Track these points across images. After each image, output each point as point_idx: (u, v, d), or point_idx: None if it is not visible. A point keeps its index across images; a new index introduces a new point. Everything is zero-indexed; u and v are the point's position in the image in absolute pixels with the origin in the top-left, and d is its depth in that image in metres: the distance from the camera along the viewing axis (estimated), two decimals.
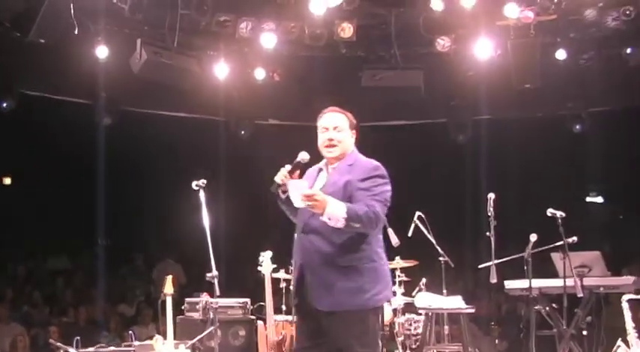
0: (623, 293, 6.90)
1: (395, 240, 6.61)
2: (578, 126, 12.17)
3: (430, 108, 12.24)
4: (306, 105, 11.94)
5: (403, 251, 7.28)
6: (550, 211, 7.55)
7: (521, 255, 7.66)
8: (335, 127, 4.87)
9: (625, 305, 6.73)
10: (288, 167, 4.82)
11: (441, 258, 8.57)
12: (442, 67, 11.06)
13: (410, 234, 8.30)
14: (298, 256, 4.82)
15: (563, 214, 7.50)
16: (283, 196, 4.86)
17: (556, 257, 8.01)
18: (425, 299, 8.47)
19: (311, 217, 4.71)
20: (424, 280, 8.79)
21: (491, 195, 7.71)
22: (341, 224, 4.56)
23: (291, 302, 5.06)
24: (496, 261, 7.61)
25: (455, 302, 8.42)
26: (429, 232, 8.44)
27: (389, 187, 4.82)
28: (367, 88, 10.85)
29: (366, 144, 13.96)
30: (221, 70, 10.64)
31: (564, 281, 7.56)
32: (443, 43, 10.52)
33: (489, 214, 7.63)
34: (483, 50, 10.55)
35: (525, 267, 7.59)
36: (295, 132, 12.53)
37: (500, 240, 7.65)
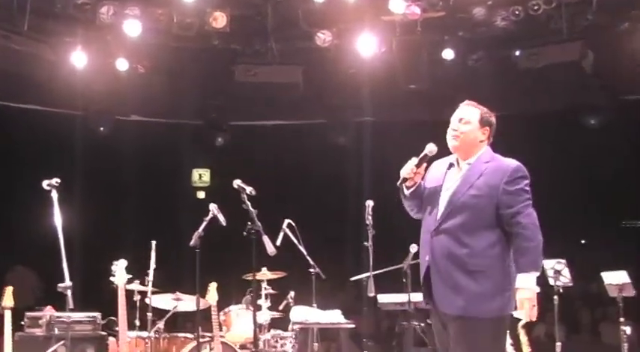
0: None
1: (271, 249, 6.72)
2: None
3: (309, 107, 12.53)
4: (173, 100, 12.04)
5: (270, 261, 7.40)
6: None
7: (399, 266, 8.04)
8: (460, 119, 5.19)
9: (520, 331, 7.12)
10: (415, 160, 5.10)
11: (311, 270, 8.78)
12: (322, 63, 11.32)
13: (278, 242, 8.43)
14: (426, 257, 5.01)
15: None
16: (407, 192, 5.13)
17: None
18: (300, 312, 8.65)
19: (446, 217, 4.94)
20: (292, 293, 8.97)
21: (370, 203, 8.00)
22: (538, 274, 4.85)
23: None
24: (369, 273, 7.91)
25: (333, 317, 8.67)
26: (299, 241, 8.63)
27: (528, 187, 5.01)
28: (241, 83, 11.04)
29: (240, 144, 14.08)
30: (79, 58, 10.52)
31: None
32: (323, 38, 10.77)
33: (368, 222, 7.91)
34: (367, 47, 10.89)
35: (404, 280, 7.97)
36: (160, 129, 12.59)
37: (383, 250, 7.96)
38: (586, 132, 12.06)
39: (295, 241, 8.61)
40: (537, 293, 4.82)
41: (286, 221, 8.64)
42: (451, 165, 5.18)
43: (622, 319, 8.86)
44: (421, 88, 11.14)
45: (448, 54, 11.30)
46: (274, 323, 8.80)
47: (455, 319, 4.86)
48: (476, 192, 4.93)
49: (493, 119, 5.26)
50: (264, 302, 8.69)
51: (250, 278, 7.05)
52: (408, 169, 5.09)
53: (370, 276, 7.89)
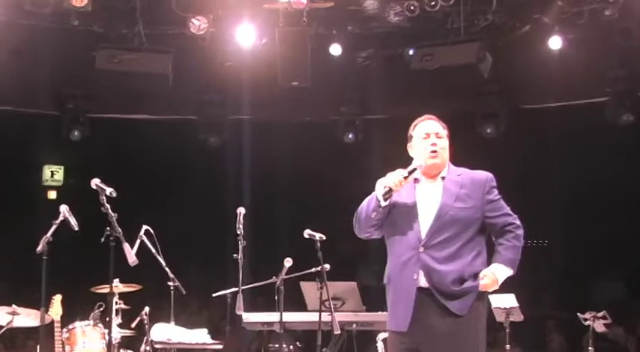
0: (379, 332, 7.37)
1: (132, 259, 6.57)
2: (350, 135, 12.79)
3: (179, 101, 12.43)
4: (23, 87, 11.69)
5: (123, 272, 7.24)
6: (308, 232, 7.86)
7: (269, 281, 7.97)
8: (437, 134, 5.39)
9: (380, 346, 7.13)
10: (403, 172, 5.22)
11: (170, 283, 8.61)
12: (196, 52, 11.19)
13: (134, 251, 7.93)
14: (414, 276, 5.16)
15: (323, 236, 7.85)
16: (384, 203, 5.22)
17: (306, 286, 8.43)
18: (162, 331, 8.47)
19: (435, 232, 5.17)
20: (147, 309, 8.68)
21: (241, 210, 7.94)
22: (512, 272, 5.25)
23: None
24: (236, 288, 7.87)
25: (199, 337, 8.53)
26: (157, 251, 8.43)
27: None
28: (103, 71, 10.77)
29: (99, 139, 13.86)
30: None
31: (320, 315, 7.84)
32: (198, 24, 10.60)
33: (238, 232, 7.88)
34: (246, 37, 10.86)
35: (276, 297, 7.89)
36: (7, 119, 12.22)
37: (258, 262, 8.07)
38: (482, 140, 12.39)
39: (153, 250, 8.42)
40: None
41: (144, 227, 8.45)
42: (416, 180, 5.36)
43: (508, 346, 9.07)
44: (304, 86, 11.11)
45: (335, 49, 11.36)
46: (125, 343, 8.61)
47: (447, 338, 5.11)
48: (462, 205, 5.25)
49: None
50: (115, 319, 8.26)
51: (101, 290, 6.88)
52: (396, 180, 5.20)
53: (239, 292, 7.83)
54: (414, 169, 5.25)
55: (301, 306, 8.60)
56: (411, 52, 11.34)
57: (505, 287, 9.07)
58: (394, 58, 11.67)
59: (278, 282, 8.00)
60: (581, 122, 12.32)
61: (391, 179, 5.20)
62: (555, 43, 10.95)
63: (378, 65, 11.68)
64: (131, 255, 6.55)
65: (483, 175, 5.36)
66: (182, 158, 13.71)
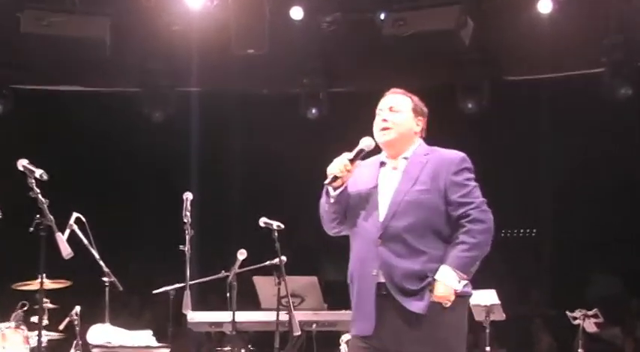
0: (342, 333, 7.49)
1: (66, 250, 6.50)
2: (314, 110, 12.74)
3: (118, 71, 12.35)
4: None
5: (50, 267, 7.20)
6: (264, 221, 7.89)
7: (220, 276, 8.01)
8: (391, 108, 5.29)
9: (343, 348, 7.16)
10: (349, 154, 5.17)
11: (105, 279, 8.47)
12: (138, 15, 11.18)
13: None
14: (373, 272, 5.09)
15: (281, 225, 7.89)
16: (335, 193, 5.19)
17: (260, 281, 8.46)
18: (100, 333, 8.41)
19: (392, 220, 5.08)
20: (78, 309, 8.63)
21: (188, 196, 7.92)
22: (466, 279, 5.03)
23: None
24: (183, 284, 7.89)
25: (142, 339, 8.50)
26: (90, 241, 8.31)
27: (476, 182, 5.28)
28: (29, 35, 10.71)
29: (26, 114, 13.70)
30: None
31: (277, 314, 7.84)
32: None
33: (185, 220, 7.89)
34: None
35: (228, 294, 7.90)
36: None
37: (206, 254, 8.18)
38: (463, 116, 12.42)
39: (85, 241, 8.27)
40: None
41: (74, 215, 8.33)
42: (382, 163, 5.34)
43: (488, 348, 9.17)
44: (261, 54, 11.12)
45: (296, 13, 11.36)
46: (52, 347, 8.61)
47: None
48: (422, 187, 5.13)
49: (426, 109, 5.44)
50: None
51: (25, 287, 6.84)
52: (340, 165, 5.16)
53: (186, 288, 7.84)
54: (361, 150, 5.21)
55: (256, 304, 8.61)
56: (382, 17, 11.29)
57: (485, 283, 9.20)
58: (363, 22, 11.61)
59: (230, 277, 7.99)
60: (574, 96, 12.39)
61: (335, 165, 5.16)
62: (545, 6, 11.00)
63: (344, 31, 11.63)
64: (65, 246, 6.51)
65: (454, 154, 5.27)
66: (122, 136, 13.50)
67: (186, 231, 7.87)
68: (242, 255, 7.89)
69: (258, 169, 14.41)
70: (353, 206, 5.24)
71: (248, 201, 13.77)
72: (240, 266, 7.99)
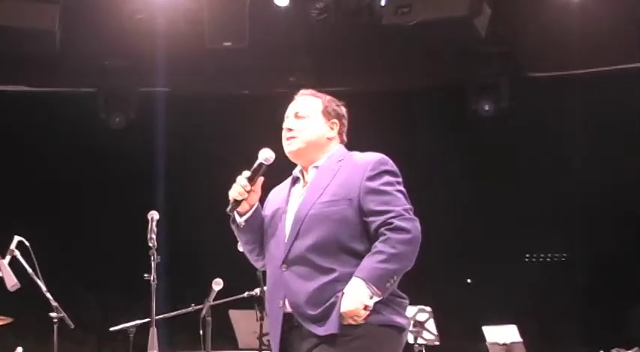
0: None
1: (12, 281, 6.55)
2: None
3: (70, 69, 12.34)
4: None
5: None
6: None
7: (192, 309, 8.13)
8: (296, 114, 5.32)
9: None
10: (247, 173, 5.17)
11: (53, 314, 8.27)
12: (93, 3, 11.24)
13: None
14: (279, 303, 5.11)
15: None
16: (242, 219, 5.25)
17: (237, 316, 8.62)
18: None
19: (295, 240, 5.08)
20: (20, 350, 8.58)
21: (154, 215, 7.78)
22: (379, 295, 4.92)
23: None
24: (148, 319, 7.86)
25: None
26: (35, 271, 8.11)
27: (402, 187, 5.19)
28: None
29: None
30: None
31: None
32: None
33: (151, 244, 7.73)
34: None
35: (201, 331, 8.00)
36: None
37: (176, 284, 8.30)
38: (478, 120, 12.45)
39: (29, 269, 8.14)
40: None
41: (16, 238, 8.32)
42: (296, 179, 5.40)
43: None
44: (240, 48, 11.20)
45: (282, 0, 11.43)
46: None
47: None
48: (329, 199, 5.13)
49: (343, 110, 5.46)
50: None
51: None
52: (238, 188, 5.19)
53: (152, 325, 7.75)
54: (261, 165, 5.21)
55: (234, 343, 8.68)
56: (382, 2, 11.35)
57: (504, 317, 9.24)
58: (359, 10, 11.67)
59: (204, 311, 8.05)
60: (610, 95, 12.38)
61: (233, 188, 5.20)
62: None
63: (338, 20, 11.67)
64: (10, 276, 6.55)
65: (369, 156, 5.23)
66: (75, 144, 13.50)
67: (152, 257, 7.65)
68: (217, 285, 7.95)
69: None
70: (265, 232, 5.30)
71: (224, 220, 13.74)
72: (216, 298, 8.04)
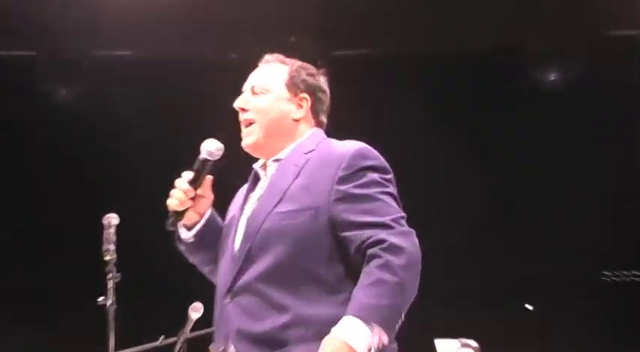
0: None
1: None
2: None
3: (2, 28, 12.28)
4: None
5: None
6: None
7: (163, 343, 8.10)
8: (252, 87, 5.19)
9: None
10: (188, 174, 5.08)
11: None
12: None
13: None
14: (221, 339, 4.94)
15: None
16: (188, 235, 5.19)
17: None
18: None
19: (245, 262, 4.86)
20: None
21: (112, 219, 7.24)
22: (386, 338, 4.52)
23: None
24: None
25: None
26: None
27: (393, 188, 4.92)
28: None
29: None
30: None
31: None
32: None
33: (107, 258, 7.12)
34: None
35: None
36: None
37: (140, 310, 8.90)
38: (539, 94, 12.70)
39: None
40: None
41: None
42: (256, 175, 5.22)
43: None
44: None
45: None
46: None
47: None
48: (289, 208, 4.87)
49: (320, 80, 5.32)
50: None
51: None
52: (179, 194, 5.04)
53: None
54: (205, 161, 5.11)
55: None
56: None
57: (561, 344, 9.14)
58: None
59: (178, 345, 8.03)
60: None
61: (172, 194, 5.07)
62: None
63: None
64: None
65: (344, 148, 4.96)
66: (8, 121, 13.36)
67: (110, 274, 7.23)
68: (196, 311, 7.77)
69: (219, 173, 14.23)
70: (219, 247, 5.15)
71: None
72: (193, 329, 7.97)
